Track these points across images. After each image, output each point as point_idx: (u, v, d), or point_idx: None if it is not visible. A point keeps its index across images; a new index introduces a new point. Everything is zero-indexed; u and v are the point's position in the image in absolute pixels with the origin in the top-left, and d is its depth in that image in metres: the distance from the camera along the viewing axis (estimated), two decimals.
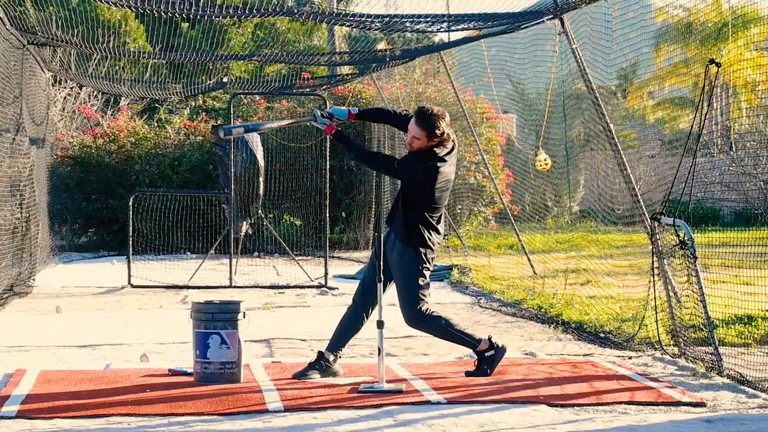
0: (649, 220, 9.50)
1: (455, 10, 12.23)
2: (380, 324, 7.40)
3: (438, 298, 13.31)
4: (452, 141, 7.68)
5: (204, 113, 24.40)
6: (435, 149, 7.60)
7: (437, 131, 7.50)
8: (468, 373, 7.91)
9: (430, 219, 7.68)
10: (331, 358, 7.85)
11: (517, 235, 15.79)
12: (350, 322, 7.88)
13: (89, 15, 19.57)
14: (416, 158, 7.62)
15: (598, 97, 10.84)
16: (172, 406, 6.84)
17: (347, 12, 13.97)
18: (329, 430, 6.30)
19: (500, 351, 7.90)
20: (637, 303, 10.46)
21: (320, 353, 7.86)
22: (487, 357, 7.87)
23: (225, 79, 19.95)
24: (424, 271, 7.69)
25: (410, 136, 7.58)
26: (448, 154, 7.66)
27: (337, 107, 7.97)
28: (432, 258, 7.77)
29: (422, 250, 7.66)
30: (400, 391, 7.23)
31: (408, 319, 7.78)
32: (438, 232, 7.77)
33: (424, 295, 7.71)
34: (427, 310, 7.72)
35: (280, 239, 16.55)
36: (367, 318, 7.86)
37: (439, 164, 7.58)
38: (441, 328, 7.82)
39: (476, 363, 7.93)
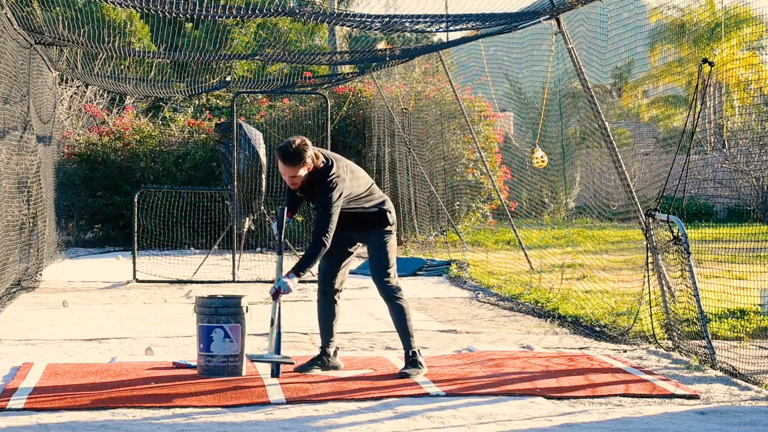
0: (643, 217, 9.55)
1: (454, 10, 12.26)
2: (275, 295, 7.48)
3: (437, 293, 13.43)
4: (322, 159, 7.56)
5: (208, 111, 24.50)
6: (328, 170, 7.53)
7: (307, 159, 7.43)
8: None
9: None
10: (330, 351, 7.96)
11: (515, 231, 15.85)
12: (327, 310, 7.97)
13: (95, 15, 19.68)
14: (330, 185, 7.54)
15: (594, 95, 10.87)
16: (176, 399, 6.90)
17: (348, 12, 14.03)
18: (330, 422, 6.36)
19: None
20: (632, 297, 10.51)
21: (322, 349, 7.96)
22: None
23: (228, 78, 20.09)
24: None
25: (288, 178, 7.52)
26: (337, 168, 7.58)
27: (284, 280, 7.52)
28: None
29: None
30: (290, 362, 7.55)
31: (382, 287, 7.88)
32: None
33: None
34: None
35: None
36: (338, 299, 7.98)
37: (339, 182, 7.56)
38: (402, 309, 7.89)
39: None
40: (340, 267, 7.97)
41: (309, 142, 7.53)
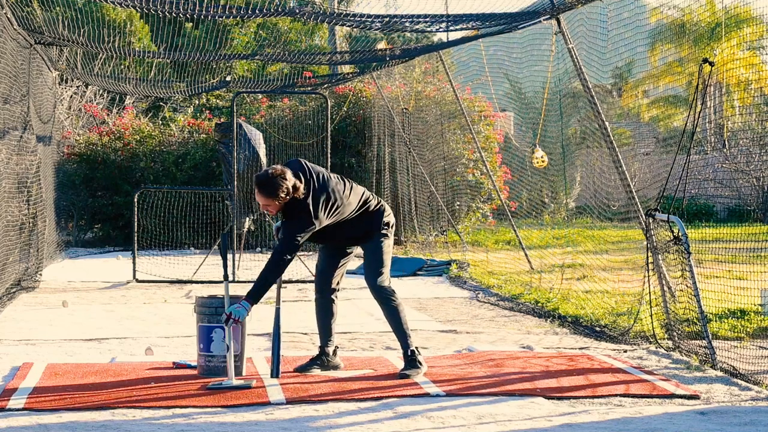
0: (643, 217, 9.55)
1: (454, 10, 12.27)
2: (226, 321, 7.41)
3: (437, 293, 13.43)
4: (302, 191, 7.46)
5: (208, 111, 24.52)
6: (306, 205, 7.46)
7: (281, 193, 7.34)
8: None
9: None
10: (330, 351, 7.97)
11: (515, 231, 15.86)
12: (325, 310, 7.97)
13: (95, 15, 19.70)
14: (302, 216, 7.47)
15: (594, 95, 10.88)
16: (177, 399, 6.90)
17: (348, 12, 14.03)
18: (330, 422, 6.36)
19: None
20: (632, 297, 10.52)
21: (321, 348, 7.97)
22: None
23: (228, 78, 20.09)
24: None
25: (261, 206, 7.49)
26: (316, 206, 7.50)
27: (235, 308, 7.42)
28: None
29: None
30: (248, 387, 7.27)
31: (375, 287, 7.88)
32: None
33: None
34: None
35: None
36: (336, 298, 7.99)
37: (313, 220, 7.49)
38: (395, 309, 7.89)
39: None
40: (338, 266, 7.97)
41: (289, 175, 7.37)
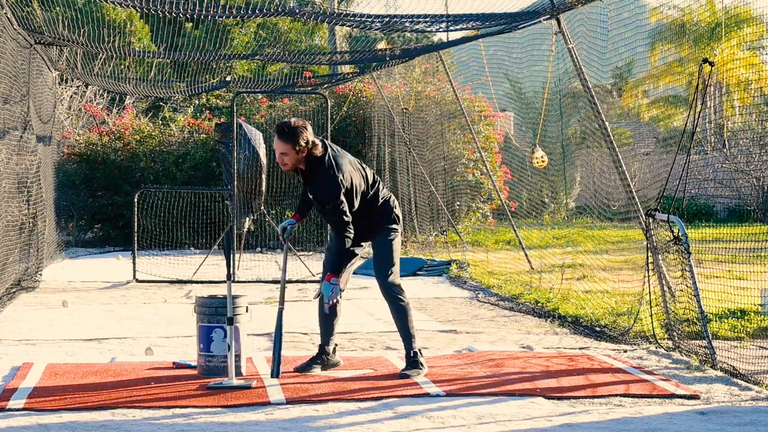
0: (643, 217, 9.56)
1: (454, 10, 12.27)
2: (230, 320, 7.51)
3: (437, 293, 13.44)
4: (320, 150, 7.59)
5: (208, 111, 24.53)
6: (327, 165, 7.54)
7: (301, 141, 7.48)
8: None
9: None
10: (330, 349, 7.98)
11: (515, 231, 15.87)
12: (329, 310, 7.95)
13: (95, 15, 19.71)
14: (334, 185, 7.54)
15: (594, 95, 10.89)
16: (177, 399, 6.91)
17: (348, 12, 14.04)
18: (330, 422, 6.38)
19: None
20: (632, 297, 10.53)
21: (321, 347, 7.98)
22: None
23: (228, 78, 20.11)
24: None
25: (278, 155, 7.57)
26: (337, 164, 7.59)
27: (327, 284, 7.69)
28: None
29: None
30: (248, 387, 7.28)
31: (385, 285, 7.91)
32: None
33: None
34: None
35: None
36: (341, 298, 7.98)
37: (337, 176, 7.56)
38: (403, 309, 7.91)
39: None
40: (347, 268, 7.97)
41: (309, 128, 7.57)
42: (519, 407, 6.78)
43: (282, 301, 7.87)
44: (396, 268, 7.90)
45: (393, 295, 7.84)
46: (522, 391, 7.20)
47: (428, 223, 20.09)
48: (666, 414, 6.61)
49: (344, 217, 7.54)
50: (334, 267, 7.62)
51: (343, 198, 7.54)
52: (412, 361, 7.81)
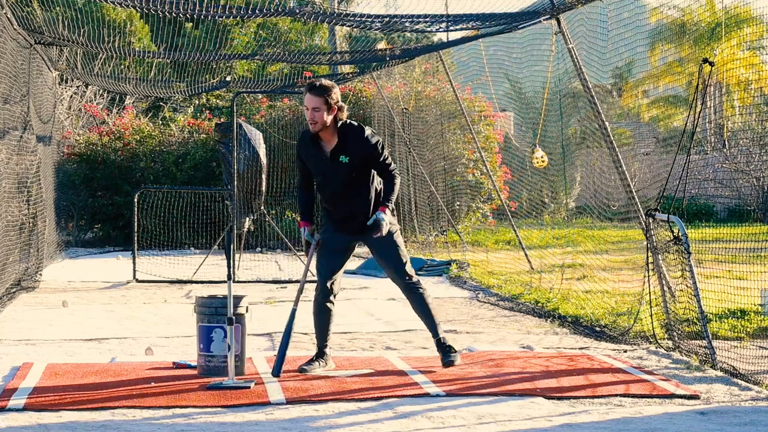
0: (643, 217, 9.55)
1: (454, 10, 12.29)
2: (230, 320, 7.51)
3: (437, 293, 13.43)
4: (345, 115, 7.81)
5: (208, 111, 24.54)
6: (361, 131, 7.77)
7: (334, 95, 7.62)
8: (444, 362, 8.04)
9: None
10: (328, 351, 8.01)
11: (515, 231, 15.87)
12: (324, 310, 7.99)
13: (95, 15, 19.72)
14: (374, 135, 7.86)
15: (594, 95, 10.89)
16: (177, 399, 6.91)
17: (348, 12, 14.04)
18: (330, 422, 6.37)
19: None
20: (632, 297, 10.52)
21: (320, 349, 7.98)
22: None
23: (228, 78, 20.12)
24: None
25: (310, 112, 7.60)
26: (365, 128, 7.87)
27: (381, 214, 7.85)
28: None
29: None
30: (248, 387, 7.26)
31: (405, 283, 7.97)
32: None
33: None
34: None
35: (282, 235, 16.68)
36: (335, 299, 8.03)
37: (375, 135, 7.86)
38: (425, 299, 8.03)
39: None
40: (340, 268, 8.00)
41: (337, 90, 7.71)
42: (519, 407, 6.78)
43: (297, 303, 7.89)
44: (408, 264, 8.01)
45: (412, 288, 7.98)
46: (522, 391, 7.19)
47: (428, 223, 20.10)
48: (666, 414, 6.60)
49: (393, 166, 7.83)
50: (390, 202, 7.74)
51: (387, 151, 7.81)
52: (446, 347, 7.98)
